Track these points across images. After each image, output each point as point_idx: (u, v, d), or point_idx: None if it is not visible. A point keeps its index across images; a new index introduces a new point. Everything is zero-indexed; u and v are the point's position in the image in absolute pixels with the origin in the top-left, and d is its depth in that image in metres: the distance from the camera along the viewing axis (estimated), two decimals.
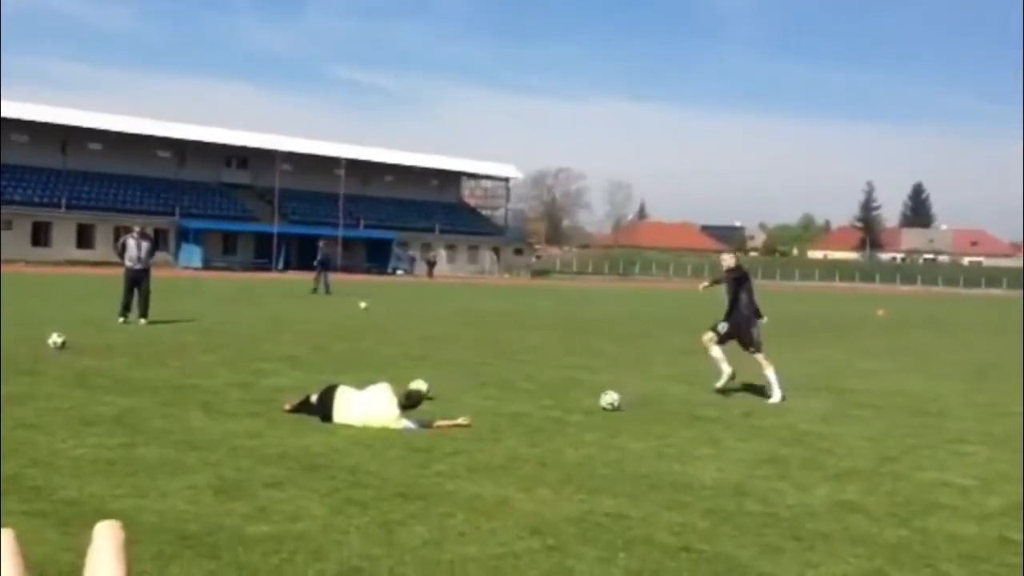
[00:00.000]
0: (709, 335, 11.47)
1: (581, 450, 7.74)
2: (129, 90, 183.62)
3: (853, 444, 8.57)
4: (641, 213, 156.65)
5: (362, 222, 72.39)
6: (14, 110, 59.15)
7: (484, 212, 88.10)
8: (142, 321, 17.52)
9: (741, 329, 11.28)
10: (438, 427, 8.28)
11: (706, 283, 12.59)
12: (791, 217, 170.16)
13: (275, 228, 64.46)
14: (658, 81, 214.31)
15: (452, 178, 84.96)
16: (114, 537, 1.87)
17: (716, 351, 11.39)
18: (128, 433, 7.59)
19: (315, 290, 33.12)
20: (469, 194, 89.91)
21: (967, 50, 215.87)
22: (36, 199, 60.54)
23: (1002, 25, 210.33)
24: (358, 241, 70.30)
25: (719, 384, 11.27)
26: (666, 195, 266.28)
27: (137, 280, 18.02)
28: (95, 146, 64.66)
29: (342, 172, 68.67)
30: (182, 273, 51.33)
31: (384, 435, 7.88)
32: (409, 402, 8.40)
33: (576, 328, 22.04)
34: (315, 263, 35.29)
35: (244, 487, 6.05)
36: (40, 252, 57.94)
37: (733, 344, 11.41)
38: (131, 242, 18.34)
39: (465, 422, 8.49)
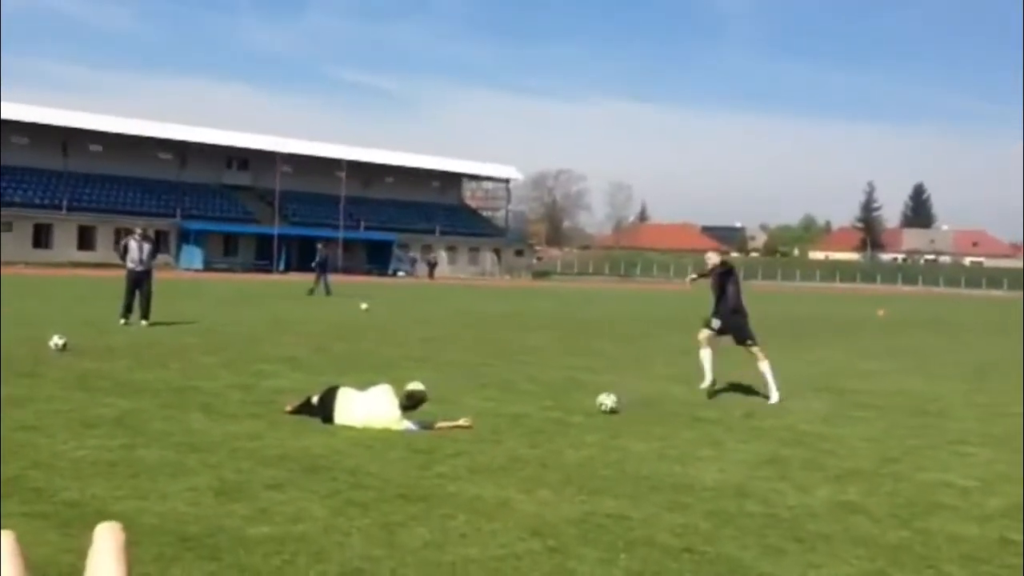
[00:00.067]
0: (704, 332, 11.48)
1: (582, 451, 7.73)
2: (130, 91, 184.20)
3: (854, 445, 8.57)
4: (642, 215, 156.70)
5: (363, 224, 72.42)
6: (14, 112, 59.23)
7: (485, 214, 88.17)
8: (143, 323, 17.54)
9: (732, 322, 11.28)
10: (439, 428, 8.28)
11: (693, 276, 12.66)
12: (792, 218, 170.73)
13: (276, 230, 64.49)
14: (658, 82, 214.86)
15: (453, 180, 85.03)
16: (115, 539, 1.87)
17: (705, 354, 11.43)
18: (129, 435, 7.58)
19: (312, 291, 33.14)
20: (470, 196, 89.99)
21: (967, 50, 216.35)
22: (37, 201, 60.60)
23: (1002, 25, 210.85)
24: (359, 243, 70.33)
25: (702, 386, 11.31)
26: (667, 196, 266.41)
27: (139, 282, 18.05)
28: (96, 148, 64.71)
29: (343, 174, 68.74)
30: (183, 275, 51.35)
31: (385, 436, 7.87)
32: (410, 403, 8.38)
33: (577, 329, 22.04)
34: (313, 264, 35.41)
35: (245, 489, 6.05)
36: (41, 254, 57.98)
37: (732, 344, 11.41)
38: (133, 244, 18.39)
39: (466, 423, 8.48)
